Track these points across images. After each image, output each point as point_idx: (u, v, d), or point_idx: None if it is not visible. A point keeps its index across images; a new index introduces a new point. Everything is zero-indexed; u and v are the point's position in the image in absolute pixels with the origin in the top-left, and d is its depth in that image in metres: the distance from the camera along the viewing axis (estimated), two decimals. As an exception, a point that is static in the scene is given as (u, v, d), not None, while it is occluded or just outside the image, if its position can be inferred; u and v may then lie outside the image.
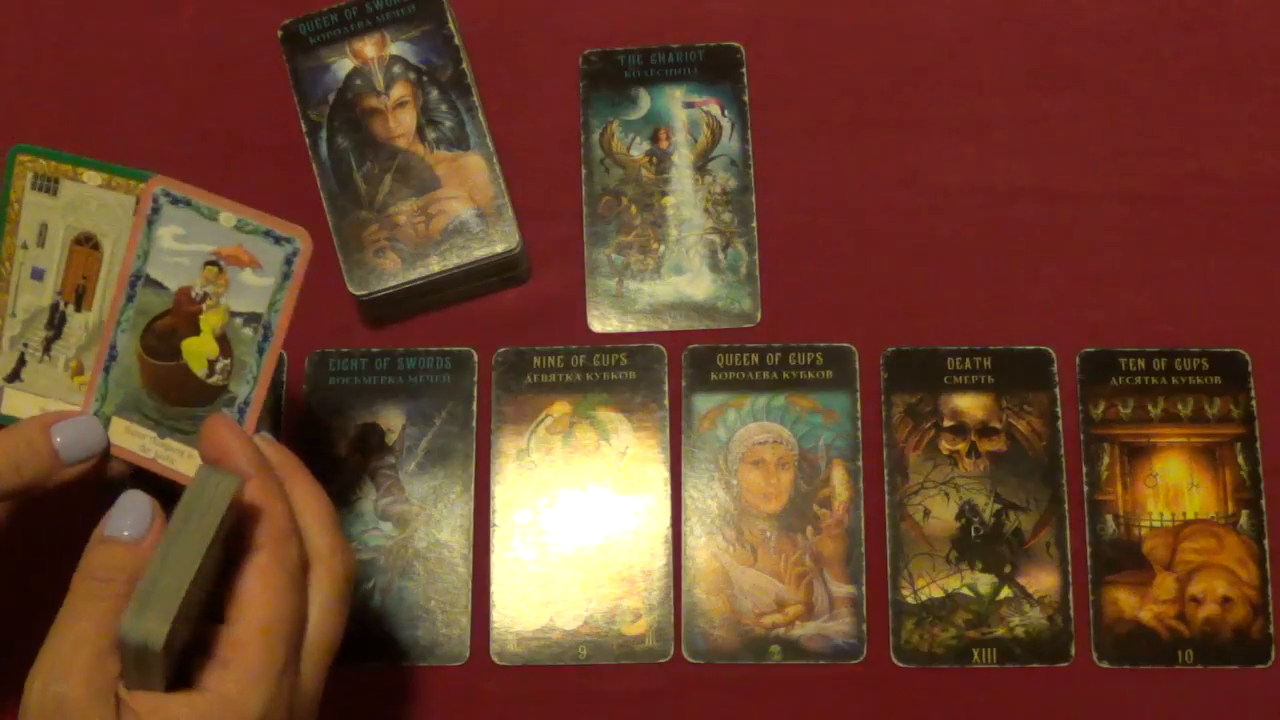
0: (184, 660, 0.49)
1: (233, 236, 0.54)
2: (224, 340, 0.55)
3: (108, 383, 0.56)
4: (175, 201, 0.54)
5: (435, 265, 0.71)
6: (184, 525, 0.48)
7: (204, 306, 0.55)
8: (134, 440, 0.57)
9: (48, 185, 0.57)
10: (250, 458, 0.52)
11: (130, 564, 0.49)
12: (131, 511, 0.51)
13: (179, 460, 0.56)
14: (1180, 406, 0.70)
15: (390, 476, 0.71)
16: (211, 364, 0.55)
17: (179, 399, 0.56)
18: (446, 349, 0.72)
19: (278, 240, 0.54)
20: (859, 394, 0.71)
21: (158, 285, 0.55)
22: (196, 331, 0.55)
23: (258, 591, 0.49)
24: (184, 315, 0.55)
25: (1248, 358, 0.71)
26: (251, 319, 0.55)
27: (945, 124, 0.75)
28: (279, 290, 0.54)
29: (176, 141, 0.76)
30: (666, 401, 0.71)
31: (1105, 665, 0.68)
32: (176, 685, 0.49)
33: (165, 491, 0.52)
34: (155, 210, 0.54)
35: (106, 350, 0.56)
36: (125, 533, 0.50)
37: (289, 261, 0.54)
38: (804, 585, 0.69)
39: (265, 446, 0.54)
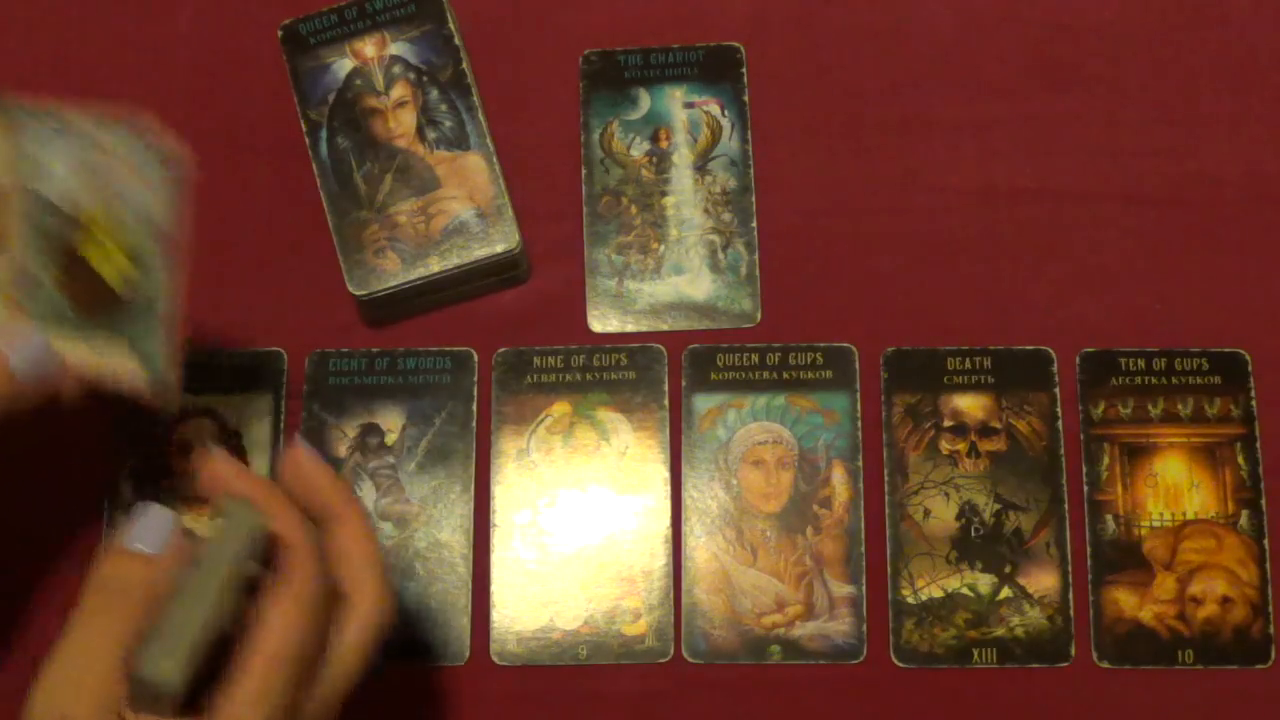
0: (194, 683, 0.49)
1: (105, 146, 0.55)
2: (127, 249, 0.56)
3: (31, 303, 0.57)
4: (32, 117, 0.55)
5: (435, 265, 0.71)
6: (207, 561, 0.48)
7: (97, 218, 0.56)
8: (72, 354, 0.57)
9: None
10: (273, 495, 0.52)
11: (147, 580, 0.49)
12: (150, 525, 0.50)
13: (111, 361, 0.57)
14: (1180, 406, 0.70)
15: (390, 476, 0.71)
16: (120, 273, 0.56)
17: (97, 310, 0.57)
18: (446, 349, 0.72)
19: (149, 147, 0.55)
20: (859, 394, 0.71)
21: (51, 206, 0.55)
22: (98, 244, 0.56)
23: (270, 619, 0.49)
24: (82, 230, 0.56)
25: (1248, 358, 0.71)
26: (145, 223, 0.56)
27: (945, 124, 0.75)
28: (164, 194, 0.55)
29: (176, 141, 0.75)
30: (666, 401, 0.71)
31: (1105, 665, 0.68)
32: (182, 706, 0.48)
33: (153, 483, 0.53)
34: (24, 133, 0.55)
35: (21, 273, 0.56)
36: (144, 547, 0.50)
37: (166, 166, 0.55)
38: (804, 585, 0.69)
39: (319, 475, 0.53)
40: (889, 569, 0.69)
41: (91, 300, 0.57)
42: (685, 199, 0.74)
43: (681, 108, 0.75)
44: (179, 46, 0.77)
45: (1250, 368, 0.71)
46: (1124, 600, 0.68)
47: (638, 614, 0.69)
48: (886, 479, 0.70)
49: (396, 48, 0.73)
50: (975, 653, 0.68)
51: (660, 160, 0.74)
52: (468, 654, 0.69)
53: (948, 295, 0.73)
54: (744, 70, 0.75)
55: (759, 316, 0.73)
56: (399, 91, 0.73)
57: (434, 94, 0.73)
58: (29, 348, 0.55)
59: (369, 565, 0.53)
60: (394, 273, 0.71)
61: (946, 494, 0.70)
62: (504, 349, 0.72)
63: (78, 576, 0.70)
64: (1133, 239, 0.73)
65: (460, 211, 0.71)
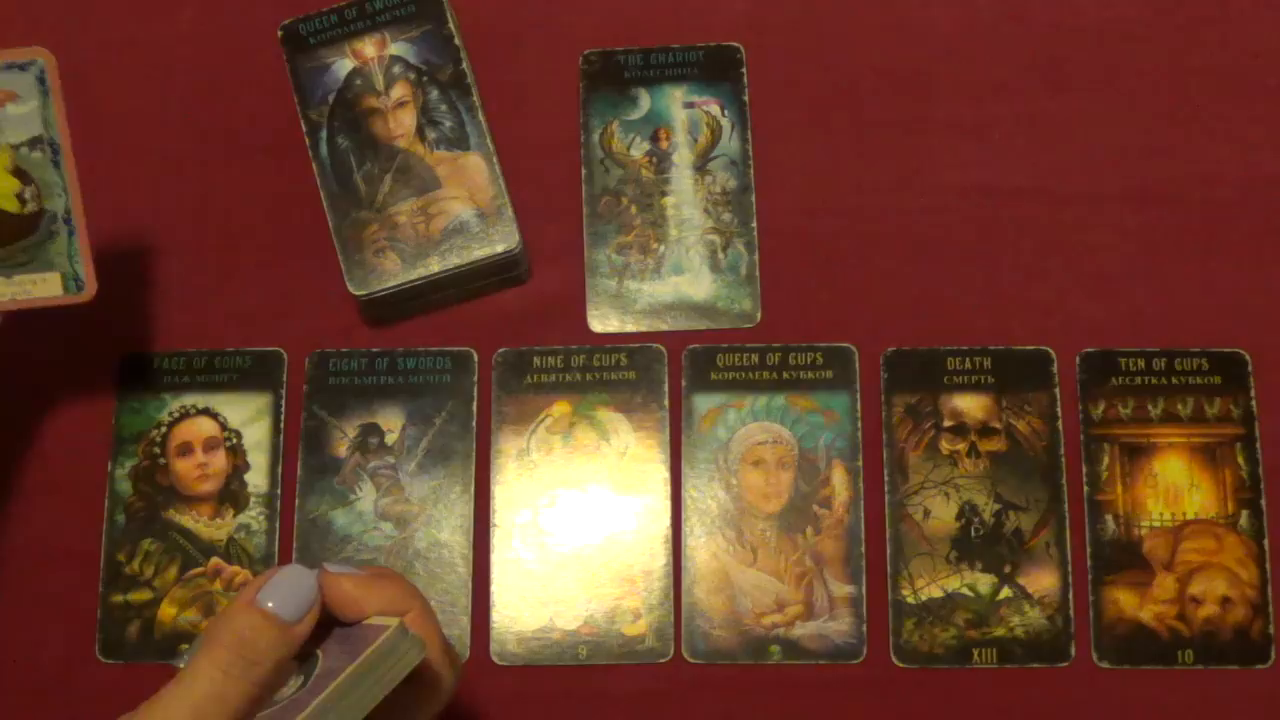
0: None
1: None
2: (20, 172, 0.60)
3: None
4: None
5: (435, 265, 0.71)
6: (364, 678, 0.47)
7: None
8: None
9: None
10: (429, 619, 0.52)
11: (281, 649, 0.48)
12: (294, 591, 0.49)
13: (37, 287, 0.60)
14: (1180, 406, 0.70)
15: (390, 476, 0.71)
16: (20, 196, 0.60)
17: (6, 239, 0.60)
18: (446, 349, 0.72)
19: (22, 67, 0.58)
20: (859, 394, 0.71)
21: None
22: None
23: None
24: None
25: (1248, 358, 0.71)
26: (34, 143, 0.59)
27: (945, 124, 0.75)
28: (45, 108, 0.59)
29: (176, 141, 0.76)
30: (666, 401, 0.71)
31: (1105, 665, 0.68)
32: None
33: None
34: None
35: None
36: (282, 612, 0.49)
37: (41, 80, 0.59)
38: (804, 585, 0.69)
39: (368, 588, 0.52)
40: (889, 569, 0.69)
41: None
42: (685, 199, 0.74)
43: (681, 108, 0.75)
44: (179, 46, 0.77)
45: (1250, 368, 0.71)
46: (1124, 600, 0.68)
47: (638, 614, 0.69)
48: (886, 479, 0.70)
49: (396, 48, 0.73)
50: (975, 653, 0.68)
51: (660, 160, 0.74)
52: (468, 654, 0.69)
53: (948, 295, 0.73)
54: (744, 70, 0.75)
55: (759, 316, 0.73)
56: (399, 91, 0.73)
57: (434, 94, 0.73)
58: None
59: (439, 651, 0.52)
60: (394, 273, 0.71)
61: (946, 494, 0.70)
62: (504, 349, 0.72)
63: (76, 576, 0.70)
64: (1133, 239, 0.73)
65: (460, 211, 0.71)
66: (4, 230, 0.60)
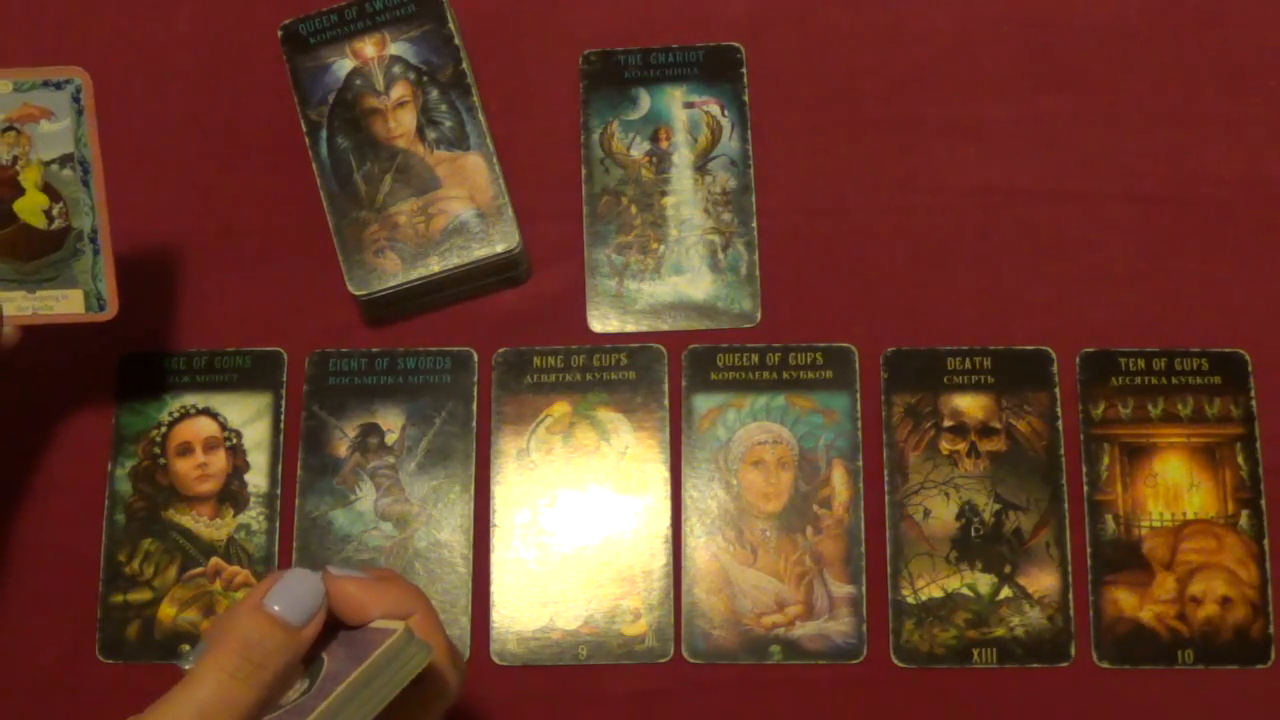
0: None
1: (15, 100, 0.60)
2: (49, 188, 0.61)
3: None
4: None
5: (435, 265, 0.71)
6: (371, 682, 0.47)
7: (18, 168, 0.60)
8: (10, 305, 0.62)
9: None
10: (433, 621, 0.52)
11: (288, 652, 0.48)
12: (300, 594, 0.49)
13: (60, 304, 0.62)
14: (1180, 406, 0.70)
15: (390, 476, 0.71)
16: (47, 213, 0.61)
17: (32, 254, 0.61)
18: (446, 349, 0.72)
19: (58, 85, 0.60)
20: (859, 394, 0.71)
21: None
22: (21, 191, 0.61)
23: None
24: (3, 182, 0.60)
25: (1248, 358, 0.71)
26: (65, 160, 0.61)
27: (945, 124, 0.75)
28: (78, 127, 0.60)
29: (176, 141, 0.76)
30: (666, 401, 0.71)
31: (1105, 665, 0.68)
32: None
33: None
34: None
35: None
36: (289, 615, 0.49)
37: (76, 99, 0.60)
38: (804, 585, 0.69)
39: (373, 592, 0.52)
40: (889, 569, 0.69)
41: (17, 244, 0.61)
42: (685, 199, 0.74)
43: (681, 108, 0.75)
44: (179, 46, 0.77)
45: (1250, 368, 0.71)
46: (1124, 600, 0.68)
47: (638, 614, 0.69)
48: (886, 479, 0.70)
49: (396, 48, 0.73)
50: (975, 653, 0.68)
51: (660, 160, 0.74)
52: (468, 654, 0.69)
53: (948, 295, 0.73)
54: (744, 70, 0.75)
55: (759, 316, 0.73)
56: (399, 91, 0.73)
57: (434, 94, 0.73)
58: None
59: (444, 654, 0.52)
60: (394, 273, 0.71)
61: (946, 494, 0.70)
62: (504, 349, 0.72)
63: (76, 576, 0.70)
64: (1133, 239, 0.73)
65: (460, 211, 0.71)
66: (30, 246, 0.61)
